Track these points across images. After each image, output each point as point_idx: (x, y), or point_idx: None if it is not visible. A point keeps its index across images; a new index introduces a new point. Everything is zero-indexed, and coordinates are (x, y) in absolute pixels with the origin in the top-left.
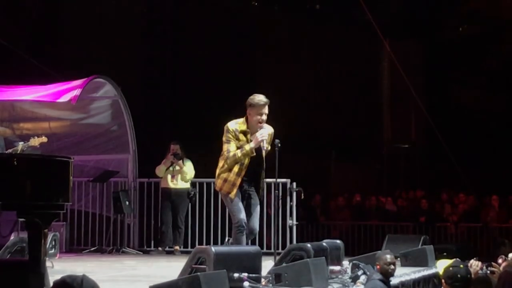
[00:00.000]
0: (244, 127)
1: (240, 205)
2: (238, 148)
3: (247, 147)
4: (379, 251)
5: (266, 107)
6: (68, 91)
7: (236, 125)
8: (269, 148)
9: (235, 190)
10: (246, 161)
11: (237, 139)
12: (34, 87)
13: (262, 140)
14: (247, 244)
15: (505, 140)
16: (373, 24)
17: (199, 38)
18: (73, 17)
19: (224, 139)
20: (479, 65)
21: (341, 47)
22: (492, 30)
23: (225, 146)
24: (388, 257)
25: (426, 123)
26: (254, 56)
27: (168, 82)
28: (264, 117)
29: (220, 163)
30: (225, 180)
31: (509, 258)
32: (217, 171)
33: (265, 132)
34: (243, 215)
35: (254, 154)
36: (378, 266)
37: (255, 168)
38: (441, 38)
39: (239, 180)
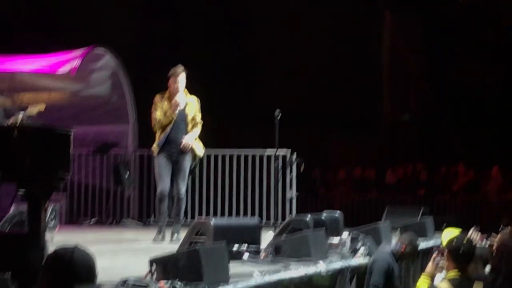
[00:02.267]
0: (166, 95)
1: (163, 171)
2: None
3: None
4: (409, 232)
5: (180, 76)
6: (67, 61)
7: (159, 95)
8: (198, 117)
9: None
10: (168, 124)
11: (162, 107)
12: (33, 57)
13: (178, 104)
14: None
15: (505, 112)
16: None
17: (201, 9)
18: None
19: (152, 109)
20: (479, 37)
21: (340, 21)
22: (492, 2)
23: (152, 115)
24: (417, 244)
25: (426, 96)
26: (256, 32)
27: (169, 52)
28: (179, 85)
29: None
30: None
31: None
32: None
33: (181, 98)
34: (164, 184)
35: (174, 117)
36: (404, 247)
37: (178, 131)
38: (440, 10)
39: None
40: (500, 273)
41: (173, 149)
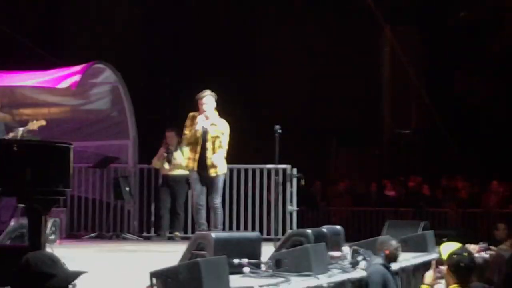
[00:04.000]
0: (195, 115)
1: (196, 185)
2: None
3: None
4: (381, 237)
5: (204, 99)
6: (68, 76)
7: (192, 114)
8: (223, 141)
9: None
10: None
11: (190, 125)
12: (34, 73)
13: (196, 123)
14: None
15: (506, 126)
16: (373, 10)
17: (200, 24)
18: (75, 4)
19: (184, 125)
20: (481, 51)
21: (341, 34)
22: (494, 16)
23: (183, 131)
24: (395, 242)
25: (427, 109)
26: (255, 45)
27: (169, 68)
28: (203, 107)
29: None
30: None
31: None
32: None
33: (201, 120)
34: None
35: (198, 136)
36: (387, 251)
37: (205, 150)
38: (443, 24)
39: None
40: (493, 284)
41: (203, 166)
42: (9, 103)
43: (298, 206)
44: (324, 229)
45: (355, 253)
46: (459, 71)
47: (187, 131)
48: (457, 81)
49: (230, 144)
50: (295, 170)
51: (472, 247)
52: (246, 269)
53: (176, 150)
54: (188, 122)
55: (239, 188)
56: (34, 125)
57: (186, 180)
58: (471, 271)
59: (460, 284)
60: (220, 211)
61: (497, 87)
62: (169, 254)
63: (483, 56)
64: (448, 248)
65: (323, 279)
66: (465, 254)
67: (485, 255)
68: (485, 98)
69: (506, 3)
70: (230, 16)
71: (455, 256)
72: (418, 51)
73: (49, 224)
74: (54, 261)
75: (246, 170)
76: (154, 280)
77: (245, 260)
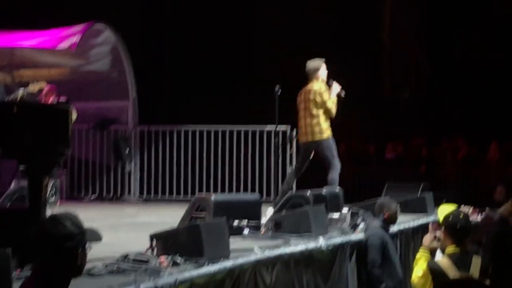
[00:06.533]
0: (326, 87)
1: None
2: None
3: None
4: (380, 199)
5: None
6: (67, 37)
7: (324, 87)
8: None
9: None
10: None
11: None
12: (33, 32)
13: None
14: None
15: (505, 88)
16: None
17: None
18: None
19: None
20: (480, 13)
21: None
22: None
23: (331, 108)
24: (394, 205)
25: (426, 71)
26: (255, 7)
27: (168, 29)
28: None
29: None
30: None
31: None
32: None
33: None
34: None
35: None
36: (387, 214)
37: None
38: None
39: None
40: (481, 245)
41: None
42: (9, 64)
43: None
44: (324, 190)
45: (354, 215)
46: (458, 33)
47: (331, 102)
48: (457, 42)
49: (229, 105)
50: (294, 132)
51: (466, 209)
52: (246, 231)
53: None
54: (326, 95)
55: (238, 149)
56: (34, 87)
57: None
58: (467, 232)
59: (457, 245)
60: None
61: (497, 48)
62: (169, 216)
63: (482, 19)
64: (445, 210)
65: (323, 241)
66: (461, 215)
67: (479, 217)
68: (485, 59)
69: None
70: None
71: (451, 217)
72: (417, 14)
73: (49, 186)
74: (79, 219)
75: (246, 132)
76: (154, 242)
77: (244, 222)
